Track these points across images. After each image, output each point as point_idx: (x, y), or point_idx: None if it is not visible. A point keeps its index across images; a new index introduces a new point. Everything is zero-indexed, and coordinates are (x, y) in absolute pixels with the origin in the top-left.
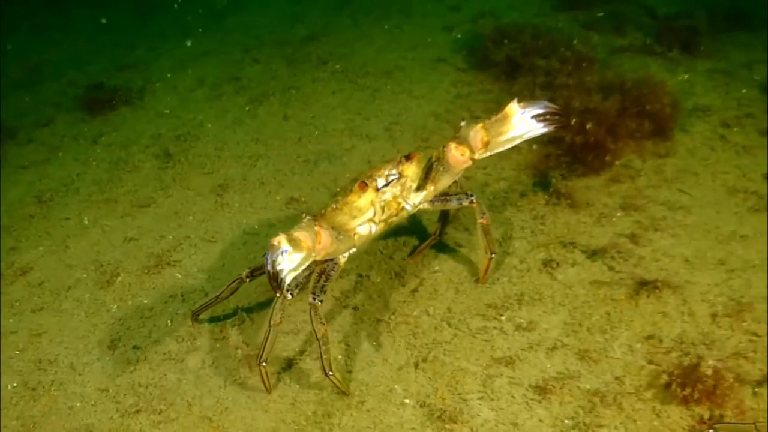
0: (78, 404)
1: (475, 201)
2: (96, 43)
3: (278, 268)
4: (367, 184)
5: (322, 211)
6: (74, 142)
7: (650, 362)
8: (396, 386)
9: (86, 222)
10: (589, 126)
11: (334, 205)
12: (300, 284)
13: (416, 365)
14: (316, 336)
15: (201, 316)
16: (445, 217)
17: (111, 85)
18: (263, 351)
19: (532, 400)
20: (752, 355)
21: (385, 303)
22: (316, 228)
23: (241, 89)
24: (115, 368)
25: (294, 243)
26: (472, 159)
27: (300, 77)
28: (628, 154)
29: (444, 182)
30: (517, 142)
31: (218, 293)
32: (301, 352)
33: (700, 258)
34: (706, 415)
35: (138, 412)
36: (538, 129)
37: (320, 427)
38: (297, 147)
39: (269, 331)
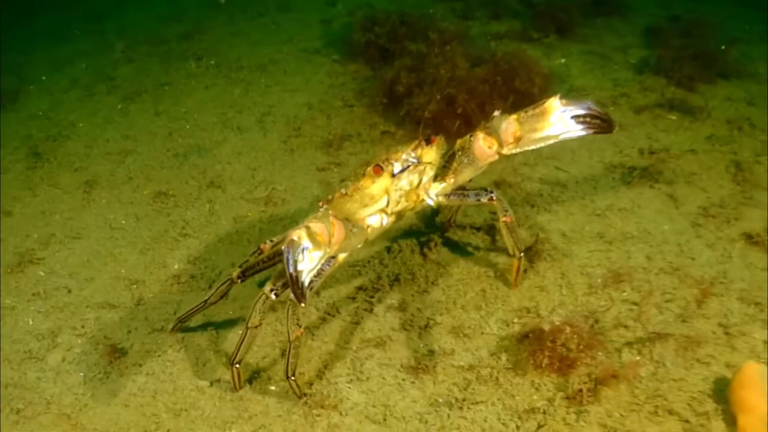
0: None
1: (495, 198)
2: None
3: (300, 268)
4: (382, 168)
5: (329, 196)
6: None
7: (527, 336)
8: (262, 373)
9: None
10: (451, 92)
11: (343, 191)
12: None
13: (283, 353)
14: (288, 337)
15: (185, 323)
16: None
17: None
18: (237, 352)
19: (404, 380)
20: (632, 323)
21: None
22: (331, 219)
23: (114, 88)
24: None
25: (312, 238)
26: (500, 153)
27: (174, 74)
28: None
29: (465, 175)
30: (550, 142)
31: (206, 298)
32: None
33: (578, 232)
34: (585, 387)
35: None
36: (576, 131)
37: (182, 418)
38: (167, 141)
39: (246, 332)
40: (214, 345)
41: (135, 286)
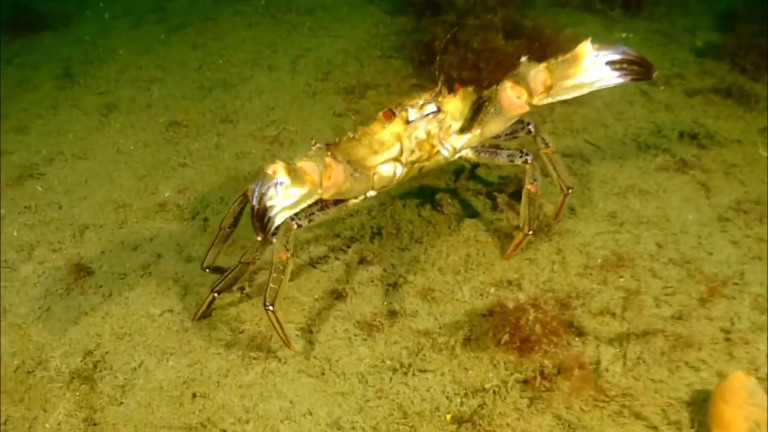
0: None
1: (530, 162)
2: None
3: (268, 203)
4: (394, 113)
5: (337, 139)
6: None
7: (501, 309)
8: (222, 311)
9: None
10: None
11: (351, 134)
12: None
13: (242, 289)
14: (272, 259)
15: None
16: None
17: (38, 10)
18: (221, 282)
19: (355, 336)
20: (618, 312)
21: None
22: (328, 159)
23: (162, 19)
24: None
25: (294, 174)
26: (530, 104)
27: (222, 10)
28: None
29: (493, 128)
30: (585, 90)
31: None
32: None
33: (590, 209)
34: (548, 370)
35: None
36: (613, 78)
37: (123, 342)
38: (195, 74)
39: (237, 266)
40: (180, 275)
41: (122, 209)
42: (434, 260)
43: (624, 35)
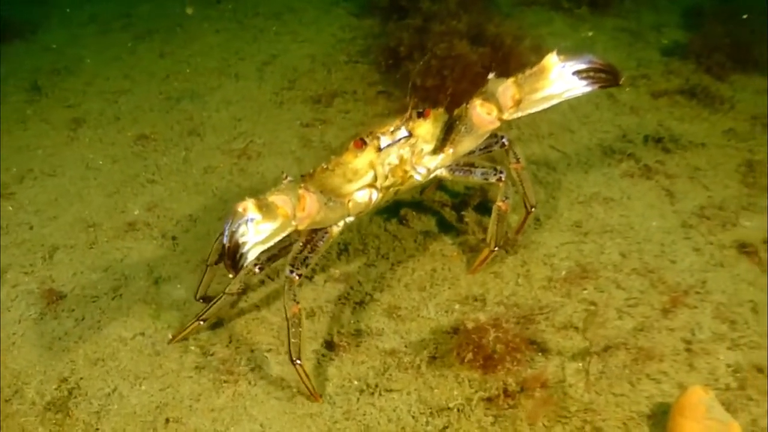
0: None
1: (503, 180)
2: None
3: (240, 240)
4: (365, 142)
5: (311, 170)
6: None
7: (465, 325)
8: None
9: None
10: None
11: (324, 165)
12: (273, 257)
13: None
14: (286, 315)
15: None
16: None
17: (5, 17)
18: (207, 310)
19: (323, 356)
20: (581, 326)
21: None
22: (301, 191)
23: (129, 26)
24: None
25: (266, 210)
26: (500, 119)
27: (190, 15)
28: None
29: (465, 145)
30: (554, 101)
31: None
32: None
33: (555, 219)
34: (512, 388)
35: None
36: (581, 87)
37: (97, 367)
38: (163, 84)
39: (222, 296)
40: (151, 297)
41: (92, 229)
42: (400, 276)
43: (590, 34)
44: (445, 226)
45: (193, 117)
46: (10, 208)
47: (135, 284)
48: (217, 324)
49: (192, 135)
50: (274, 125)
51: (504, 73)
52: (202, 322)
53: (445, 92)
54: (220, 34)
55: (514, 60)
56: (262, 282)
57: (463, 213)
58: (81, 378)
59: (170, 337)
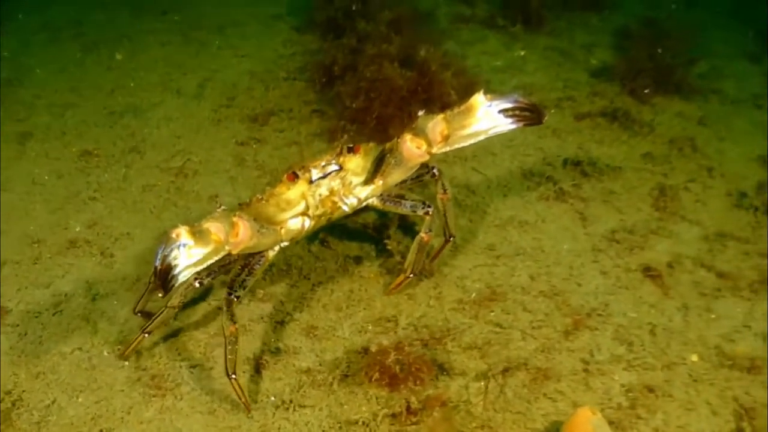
0: None
1: (430, 213)
2: None
3: (172, 263)
4: (297, 176)
5: (248, 200)
6: None
7: (377, 345)
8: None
9: None
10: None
11: (260, 196)
12: (212, 273)
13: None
14: (224, 333)
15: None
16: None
17: None
18: (150, 323)
19: (244, 372)
20: (486, 347)
21: None
22: (234, 219)
23: (78, 35)
24: None
25: (198, 236)
26: (429, 153)
27: (137, 26)
28: None
29: (395, 177)
30: (481, 137)
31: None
32: None
33: (470, 242)
34: (414, 406)
35: None
36: (506, 125)
37: (38, 381)
38: (108, 98)
39: (164, 309)
40: (89, 313)
41: (36, 245)
42: (320, 297)
43: (523, 53)
44: (365, 249)
45: (135, 133)
46: None
47: (75, 301)
48: (148, 340)
49: (133, 152)
50: (210, 143)
51: (428, 98)
52: (146, 335)
53: (371, 115)
54: (165, 47)
55: (437, 87)
56: (194, 300)
57: (384, 237)
58: (23, 390)
59: (120, 351)
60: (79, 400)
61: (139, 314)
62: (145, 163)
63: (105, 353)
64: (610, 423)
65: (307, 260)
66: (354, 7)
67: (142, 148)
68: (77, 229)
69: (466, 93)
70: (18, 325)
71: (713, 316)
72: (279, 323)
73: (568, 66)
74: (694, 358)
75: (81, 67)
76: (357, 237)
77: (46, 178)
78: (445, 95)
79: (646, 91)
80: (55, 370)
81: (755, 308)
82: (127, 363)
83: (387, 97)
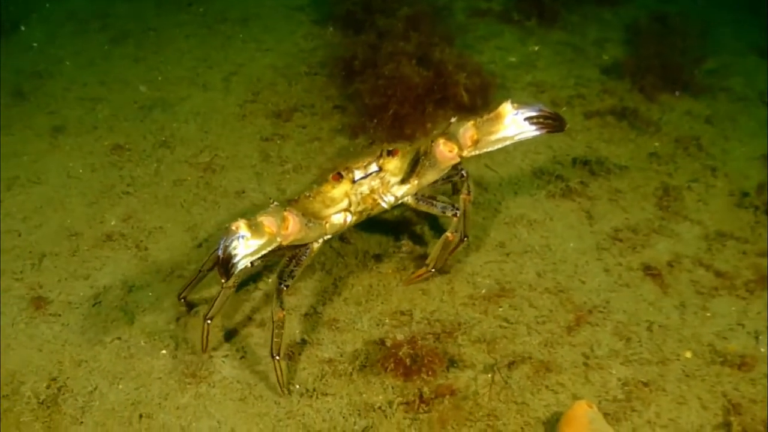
0: None
1: (458, 216)
2: None
3: (232, 252)
4: (342, 176)
5: (296, 197)
6: None
7: (393, 337)
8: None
9: None
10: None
11: (307, 193)
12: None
13: (177, 319)
14: (272, 318)
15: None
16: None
17: None
18: (212, 308)
19: (271, 363)
20: (493, 342)
21: None
22: (285, 213)
23: (105, 27)
24: None
25: (255, 228)
26: (460, 156)
27: (163, 18)
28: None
29: (429, 177)
30: (507, 143)
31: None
32: None
33: (481, 239)
34: (426, 395)
35: None
36: (531, 132)
37: (81, 368)
38: (137, 93)
39: (221, 291)
40: (125, 304)
41: (74, 238)
42: (341, 291)
43: (536, 48)
44: (383, 246)
45: (164, 127)
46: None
47: (112, 292)
48: (185, 329)
49: (163, 147)
50: (236, 138)
51: (442, 98)
52: (209, 321)
53: (388, 113)
54: (190, 39)
55: (451, 87)
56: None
57: (401, 236)
58: (68, 377)
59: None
60: (120, 386)
61: (182, 300)
62: (175, 157)
63: (142, 343)
64: (606, 415)
65: (329, 256)
66: (373, 2)
67: (172, 142)
68: (112, 223)
69: (479, 94)
70: (60, 315)
71: (709, 314)
72: (304, 316)
73: (579, 62)
74: (688, 354)
75: (108, 60)
76: (376, 234)
77: (81, 171)
78: (459, 96)
79: (654, 88)
80: (96, 359)
81: (750, 307)
82: (164, 352)
83: (403, 95)
